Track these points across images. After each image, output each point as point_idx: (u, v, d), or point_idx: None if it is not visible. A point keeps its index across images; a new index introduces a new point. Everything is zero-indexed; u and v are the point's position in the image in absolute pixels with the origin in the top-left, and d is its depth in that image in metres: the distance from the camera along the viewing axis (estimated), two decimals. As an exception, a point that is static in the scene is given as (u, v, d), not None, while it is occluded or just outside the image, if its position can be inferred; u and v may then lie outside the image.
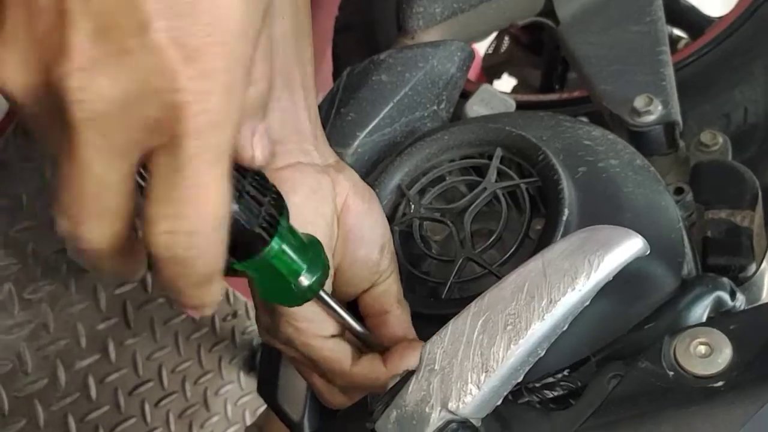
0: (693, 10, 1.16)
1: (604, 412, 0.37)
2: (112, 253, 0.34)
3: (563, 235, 0.48)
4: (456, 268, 0.52)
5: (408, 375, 0.39)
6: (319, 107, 0.65)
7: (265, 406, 1.22)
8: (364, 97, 0.65)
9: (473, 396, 0.36)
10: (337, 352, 0.49)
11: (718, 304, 0.48)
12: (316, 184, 0.48)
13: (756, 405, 0.33)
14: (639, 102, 0.64)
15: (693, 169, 0.62)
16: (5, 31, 0.30)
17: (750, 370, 0.35)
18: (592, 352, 0.44)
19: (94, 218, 0.32)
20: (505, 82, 1.38)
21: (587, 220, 0.49)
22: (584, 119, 0.64)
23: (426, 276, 0.54)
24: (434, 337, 0.39)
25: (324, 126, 0.55)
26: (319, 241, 0.46)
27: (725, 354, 0.36)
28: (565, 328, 0.37)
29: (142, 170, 0.33)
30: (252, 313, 1.27)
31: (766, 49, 0.85)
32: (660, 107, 0.64)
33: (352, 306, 0.52)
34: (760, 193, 0.58)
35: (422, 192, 0.58)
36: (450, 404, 0.36)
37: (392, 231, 0.56)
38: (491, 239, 0.52)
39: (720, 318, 0.45)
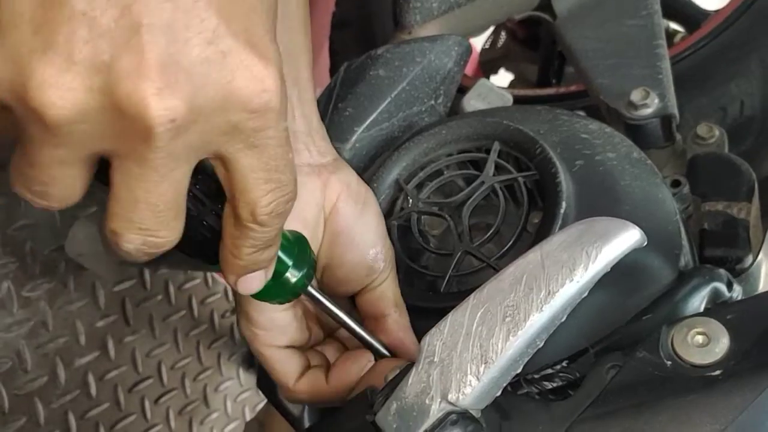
0: (689, 4, 1.16)
1: (603, 401, 0.37)
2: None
3: (561, 228, 0.48)
4: (454, 262, 0.52)
5: (408, 367, 0.39)
6: (317, 103, 0.65)
7: (265, 401, 1.23)
8: (361, 92, 0.65)
9: (473, 387, 0.36)
10: (284, 366, 0.49)
11: (715, 295, 0.48)
12: (300, 188, 0.47)
13: (753, 393, 0.33)
14: (636, 95, 0.64)
15: (690, 161, 0.62)
16: (58, 53, 0.28)
17: (747, 358, 0.35)
18: (591, 344, 0.44)
19: (173, 220, 0.33)
20: (502, 77, 1.39)
21: (585, 213, 0.49)
22: (581, 113, 0.64)
23: (424, 270, 0.54)
24: (433, 330, 0.39)
25: (322, 121, 0.55)
26: (304, 237, 0.45)
27: (722, 343, 0.36)
28: (563, 320, 0.37)
29: None
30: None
31: (762, 43, 0.85)
32: (657, 100, 0.64)
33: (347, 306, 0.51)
34: (756, 185, 0.58)
35: (420, 186, 0.58)
36: (450, 395, 0.36)
37: (391, 225, 0.56)
38: (489, 233, 0.53)
39: (717, 308, 0.45)
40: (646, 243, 0.38)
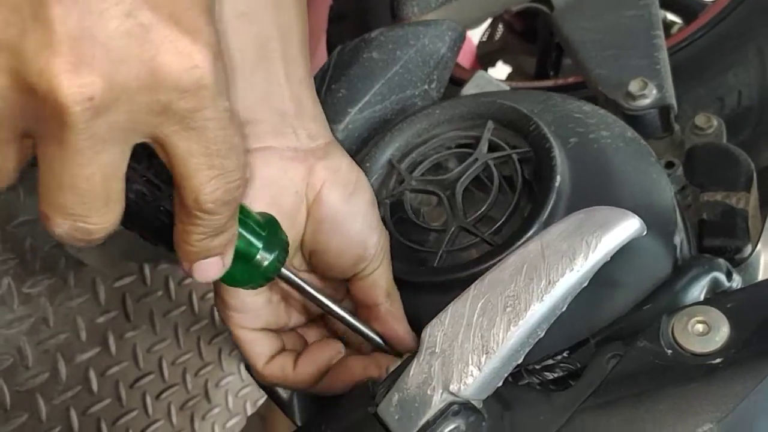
0: (686, -5, 1.16)
1: (604, 391, 0.37)
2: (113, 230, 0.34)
3: (555, 203, 0.48)
4: (448, 237, 0.52)
5: (409, 358, 0.39)
6: None
7: (266, 396, 1.23)
8: (355, 73, 0.65)
9: (474, 377, 0.36)
10: (255, 348, 0.49)
11: (715, 284, 0.48)
12: (278, 173, 0.47)
13: (754, 381, 0.33)
14: (634, 86, 0.64)
15: (688, 152, 0.62)
16: None
17: (747, 347, 0.35)
18: (591, 334, 0.44)
19: (103, 206, 0.32)
20: (500, 70, 1.38)
21: (578, 189, 0.49)
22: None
23: (418, 245, 0.54)
24: (434, 320, 0.39)
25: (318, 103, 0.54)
26: (275, 219, 0.44)
27: (723, 332, 0.36)
28: (564, 309, 0.37)
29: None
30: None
31: (759, 33, 0.85)
32: (655, 91, 0.64)
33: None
34: (755, 175, 0.58)
35: (413, 166, 0.58)
36: (451, 386, 0.37)
37: (382, 204, 0.56)
38: (483, 207, 0.52)
39: (717, 297, 0.45)
40: (645, 232, 0.38)
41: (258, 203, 0.45)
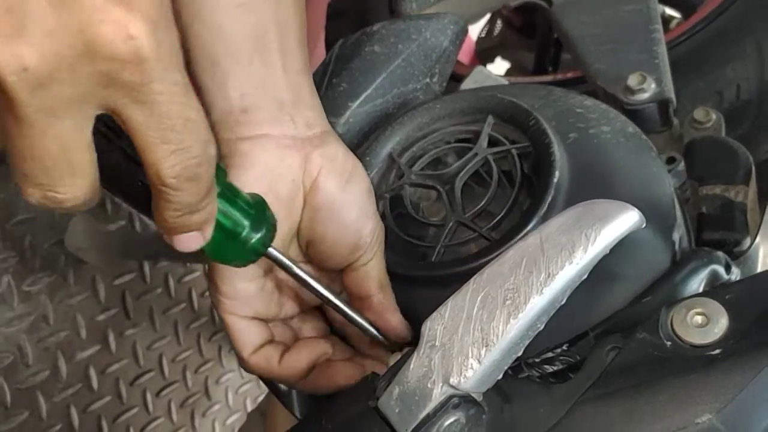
0: (685, -11, 1.16)
1: (603, 383, 0.37)
2: (93, 198, 0.34)
3: (553, 198, 0.48)
4: (446, 232, 0.52)
5: (409, 352, 0.39)
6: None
7: (266, 392, 1.23)
8: (356, 67, 0.64)
9: (474, 370, 0.36)
10: (243, 336, 0.49)
11: (714, 277, 0.48)
12: (275, 161, 0.47)
13: (753, 371, 0.33)
14: (632, 80, 0.64)
15: (687, 145, 0.62)
16: None
17: (746, 338, 0.35)
18: (590, 327, 0.44)
19: (68, 176, 0.32)
20: (499, 66, 1.38)
21: (578, 185, 0.49)
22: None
23: (417, 240, 0.54)
24: (434, 314, 0.39)
25: (317, 93, 0.54)
26: (263, 200, 0.44)
27: (721, 323, 0.36)
28: (563, 302, 0.37)
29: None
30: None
31: (758, 27, 0.85)
32: (653, 85, 0.64)
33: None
34: (753, 168, 0.58)
35: (413, 160, 0.58)
36: (452, 379, 0.37)
37: (382, 198, 0.56)
38: (482, 203, 0.52)
39: (716, 289, 0.45)
40: (645, 225, 0.38)
41: (255, 190, 0.45)
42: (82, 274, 1.04)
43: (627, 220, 0.37)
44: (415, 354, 0.38)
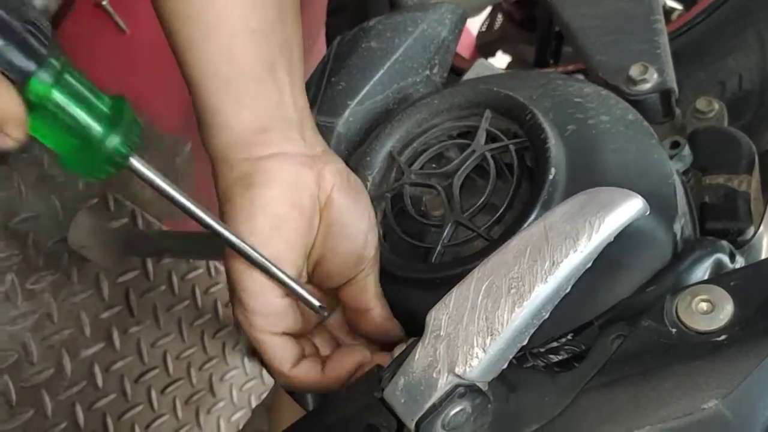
0: (685, -19, 1.16)
1: (609, 370, 0.37)
2: None
3: (549, 194, 0.48)
4: (445, 232, 0.52)
5: (414, 342, 0.39)
6: (311, 78, 0.64)
7: (270, 388, 1.23)
8: (354, 65, 0.64)
9: (480, 359, 0.36)
10: (280, 352, 0.48)
11: (718, 266, 0.48)
12: (295, 177, 0.47)
13: (758, 357, 0.33)
14: (634, 71, 0.64)
15: (690, 136, 0.62)
16: None
17: (752, 324, 0.35)
18: (595, 317, 0.44)
19: None
20: (500, 60, 1.38)
21: (575, 178, 0.49)
22: (580, 76, 0.64)
23: (417, 241, 0.54)
24: (439, 304, 0.39)
25: (315, 96, 0.54)
26: (125, 100, 0.40)
27: (727, 310, 0.36)
28: (568, 290, 0.37)
29: None
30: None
31: (759, 17, 0.85)
32: (655, 75, 0.64)
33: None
34: (756, 158, 0.58)
35: (414, 157, 0.58)
36: (457, 369, 0.37)
37: (384, 198, 0.56)
38: (479, 202, 0.52)
39: (720, 276, 0.45)
40: (648, 212, 0.38)
41: (280, 206, 0.46)
42: (85, 272, 1.04)
43: (631, 207, 0.37)
44: (420, 344, 0.38)
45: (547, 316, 0.38)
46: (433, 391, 0.37)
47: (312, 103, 0.62)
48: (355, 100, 0.62)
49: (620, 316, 0.43)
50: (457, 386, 0.37)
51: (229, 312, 1.27)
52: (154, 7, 0.47)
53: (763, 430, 0.34)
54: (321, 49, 1.14)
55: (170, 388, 1.17)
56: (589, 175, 0.50)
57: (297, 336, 0.50)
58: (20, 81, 0.35)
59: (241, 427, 1.27)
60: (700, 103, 0.64)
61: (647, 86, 0.64)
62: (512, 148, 0.53)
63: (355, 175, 0.52)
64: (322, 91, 0.63)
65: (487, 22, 1.35)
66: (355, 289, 0.51)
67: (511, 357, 0.38)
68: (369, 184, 0.56)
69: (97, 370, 1.05)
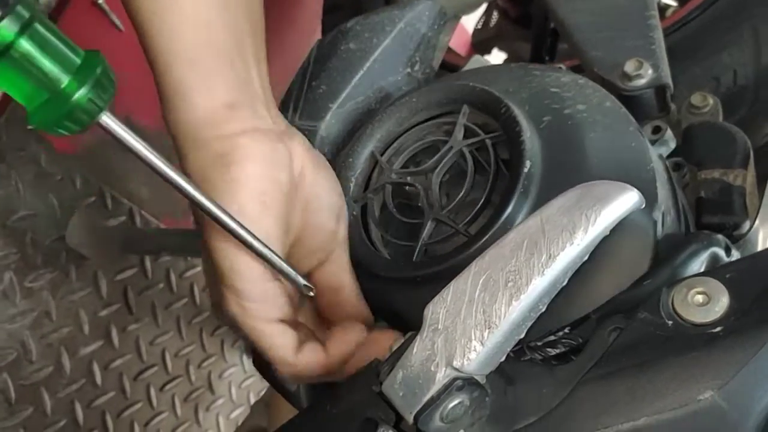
0: (680, -23, 1.16)
1: (606, 362, 0.37)
2: None
3: (525, 187, 0.47)
4: (425, 230, 0.52)
5: (412, 336, 0.39)
6: (292, 82, 0.65)
7: (268, 386, 1.23)
8: (333, 67, 0.64)
9: (477, 352, 0.37)
10: (281, 339, 0.47)
11: (714, 260, 0.48)
12: (271, 152, 0.46)
13: (754, 348, 0.34)
14: (629, 66, 0.64)
15: (685, 131, 0.62)
16: None
17: (747, 315, 0.35)
18: (592, 310, 0.44)
19: None
20: (496, 57, 1.39)
21: (552, 170, 0.49)
22: (561, 66, 0.64)
23: (398, 240, 0.54)
24: (436, 298, 0.39)
25: (297, 100, 0.54)
26: (97, 53, 0.38)
27: (722, 302, 0.37)
28: (564, 283, 0.38)
29: None
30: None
31: (754, 12, 0.85)
32: (650, 71, 0.64)
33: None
34: (751, 153, 0.59)
35: (395, 157, 0.58)
36: (455, 362, 0.37)
37: (368, 199, 0.56)
38: (457, 198, 0.52)
39: (716, 268, 0.46)
40: (644, 205, 0.38)
41: (261, 182, 0.45)
42: (83, 270, 1.04)
43: (627, 200, 0.37)
44: (418, 337, 0.39)
45: (544, 309, 0.38)
46: (431, 384, 0.37)
47: (294, 108, 0.62)
48: (336, 103, 0.62)
49: (617, 309, 0.43)
50: (455, 379, 0.37)
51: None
52: None
53: (758, 421, 0.34)
54: (317, 47, 1.14)
55: (169, 386, 1.17)
56: (566, 165, 0.49)
57: (290, 322, 0.49)
58: None
59: (239, 423, 1.27)
60: (695, 99, 0.65)
61: (642, 82, 0.64)
62: (488, 142, 0.53)
63: (317, 152, 0.52)
64: (304, 95, 0.63)
65: (482, 20, 1.35)
66: (331, 267, 0.50)
67: (508, 350, 0.38)
68: (352, 185, 0.56)
69: (95, 367, 1.06)
